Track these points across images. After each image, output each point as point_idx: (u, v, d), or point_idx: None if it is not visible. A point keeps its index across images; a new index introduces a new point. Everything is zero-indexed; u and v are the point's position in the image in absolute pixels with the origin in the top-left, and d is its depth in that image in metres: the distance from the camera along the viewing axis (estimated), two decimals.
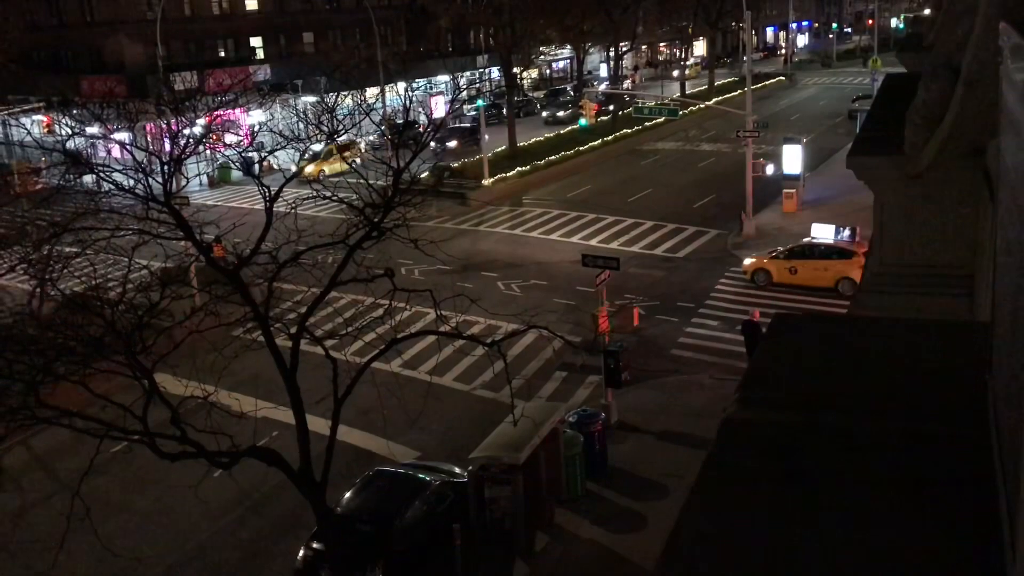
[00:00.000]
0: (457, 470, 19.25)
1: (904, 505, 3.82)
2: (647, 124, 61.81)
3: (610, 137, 59.98)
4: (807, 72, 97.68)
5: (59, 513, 13.73)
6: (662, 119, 58.71)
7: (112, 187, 14.24)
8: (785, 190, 40.92)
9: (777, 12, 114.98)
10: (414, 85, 70.56)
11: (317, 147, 32.53)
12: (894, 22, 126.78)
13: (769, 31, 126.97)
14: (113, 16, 61.86)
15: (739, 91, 68.74)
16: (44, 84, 61.49)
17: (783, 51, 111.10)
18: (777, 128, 54.12)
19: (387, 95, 52.30)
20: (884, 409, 4.60)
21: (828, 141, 53.89)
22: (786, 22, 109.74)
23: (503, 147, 56.87)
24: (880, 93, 15.18)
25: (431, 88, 67.94)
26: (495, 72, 77.50)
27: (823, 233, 33.56)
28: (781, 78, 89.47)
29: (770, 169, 41.92)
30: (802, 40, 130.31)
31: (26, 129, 25.15)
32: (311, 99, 45.81)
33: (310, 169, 32.02)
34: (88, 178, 15.31)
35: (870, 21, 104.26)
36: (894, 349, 5.45)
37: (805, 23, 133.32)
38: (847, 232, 33.00)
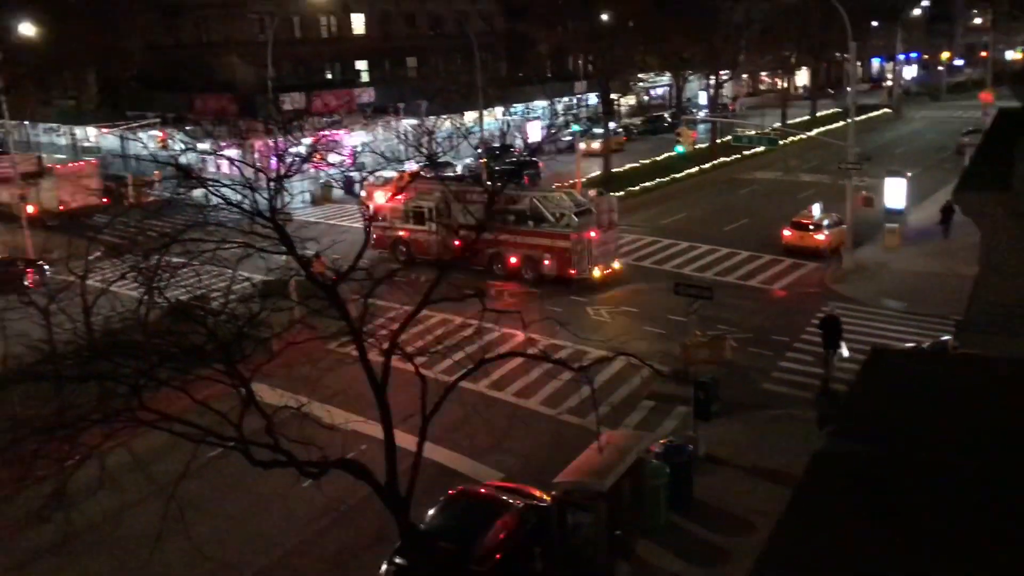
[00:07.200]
0: (540, 494, 19.21)
1: (1000, 543, 3.70)
2: (745, 153, 61.01)
3: (707, 165, 59.40)
4: (914, 105, 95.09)
5: (154, 514, 14.22)
6: (762, 148, 57.89)
7: (220, 201, 14.77)
8: (887, 224, 39.84)
9: (884, 43, 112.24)
10: (511, 110, 71.46)
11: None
12: (1009, 55, 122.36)
13: (875, 62, 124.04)
14: (227, 38, 64.44)
15: (842, 122, 67.31)
16: (160, 101, 64.52)
17: (889, 82, 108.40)
18: (881, 161, 52.75)
19: (484, 119, 52.94)
20: (980, 446, 4.46)
21: (934, 176, 52.26)
22: (893, 54, 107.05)
23: (597, 172, 56.88)
24: (991, 128, 14.71)
25: (528, 113, 68.60)
26: (593, 98, 77.60)
27: None
28: (886, 110, 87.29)
29: (873, 203, 40.90)
30: (910, 72, 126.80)
31: (142, 143, 26.30)
32: (412, 122, 46.70)
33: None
34: (198, 192, 15.91)
35: (984, 53, 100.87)
36: (992, 387, 5.28)
37: (914, 55, 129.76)
38: None
